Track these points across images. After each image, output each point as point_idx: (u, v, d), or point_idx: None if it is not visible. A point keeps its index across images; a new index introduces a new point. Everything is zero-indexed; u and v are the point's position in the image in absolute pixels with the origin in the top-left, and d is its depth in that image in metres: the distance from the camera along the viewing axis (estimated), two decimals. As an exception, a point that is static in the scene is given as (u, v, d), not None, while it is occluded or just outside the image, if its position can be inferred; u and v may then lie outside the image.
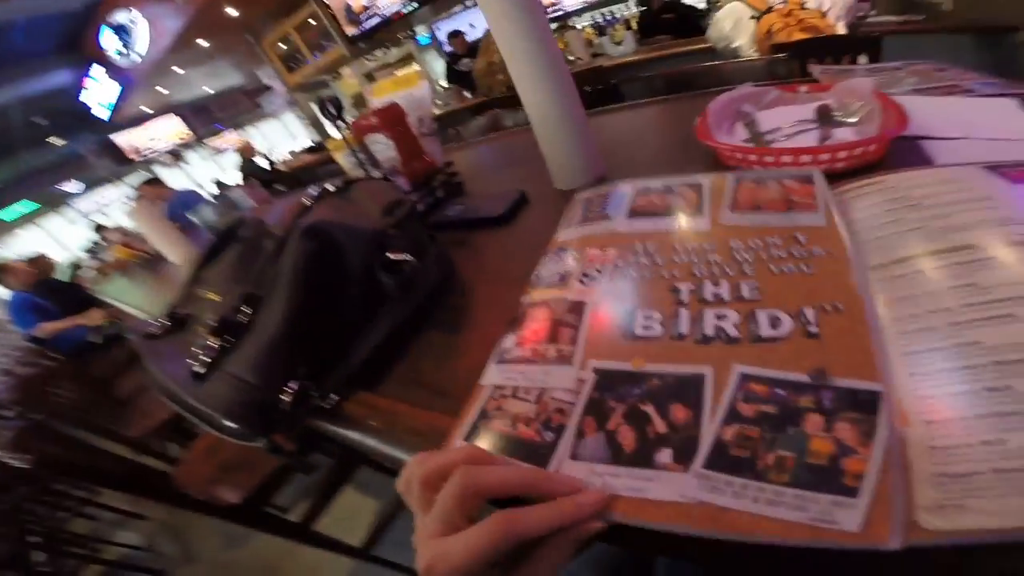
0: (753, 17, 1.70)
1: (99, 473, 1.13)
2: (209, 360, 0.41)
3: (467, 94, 3.46)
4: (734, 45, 1.81)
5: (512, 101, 1.99)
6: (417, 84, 0.84)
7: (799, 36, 1.55)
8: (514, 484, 0.25)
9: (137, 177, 9.31)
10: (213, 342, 0.41)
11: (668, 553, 0.39)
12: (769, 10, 1.66)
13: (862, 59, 1.40)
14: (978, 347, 0.24)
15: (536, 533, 0.23)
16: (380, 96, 0.89)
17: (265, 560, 1.52)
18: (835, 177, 0.46)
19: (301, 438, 0.45)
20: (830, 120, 0.58)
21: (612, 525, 0.24)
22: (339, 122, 0.76)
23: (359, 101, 5.08)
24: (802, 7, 1.63)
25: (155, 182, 2.96)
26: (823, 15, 1.62)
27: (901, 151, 0.49)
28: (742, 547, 0.22)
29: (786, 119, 0.61)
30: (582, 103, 0.62)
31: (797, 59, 1.34)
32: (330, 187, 0.50)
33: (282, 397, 0.39)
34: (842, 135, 0.54)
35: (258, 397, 0.39)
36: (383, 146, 0.70)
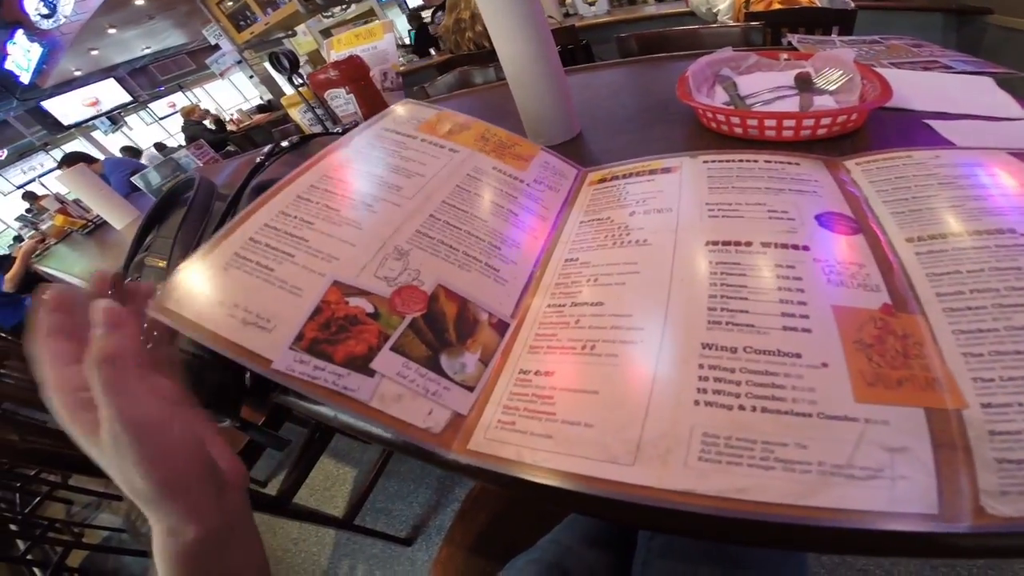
0: None
1: (65, 458, 1.06)
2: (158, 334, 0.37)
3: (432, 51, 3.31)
4: (715, 9, 1.78)
5: (480, 58, 1.92)
6: (382, 37, 0.78)
7: (777, 7, 1.54)
8: None
9: (76, 144, 8.58)
10: (159, 314, 0.37)
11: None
12: None
13: (834, 32, 1.41)
14: None
15: None
16: (340, 50, 0.82)
17: (246, 535, 1.50)
18: (815, 143, 0.46)
19: (272, 411, 0.42)
20: (809, 88, 0.57)
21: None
22: (294, 77, 0.70)
23: (315, 59, 4.80)
24: None
25: (77, 157, 2.71)
26: None
27: (878, 122, 0.49)
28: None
29: (765, 85, 0.60)
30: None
31: (771, 28, 1.33)
32: (285, 143, 0.45)
33: (245, 373, 0.36)
34: (821, 103, 0.54)
35: (218, 374, 0.36)
36: (343, 101, 0.64)
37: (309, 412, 0.38)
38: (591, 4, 2.89)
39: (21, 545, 1.51)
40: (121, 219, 1.42)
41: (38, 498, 1.68)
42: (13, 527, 1.51)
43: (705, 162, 0.43)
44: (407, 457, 0.28)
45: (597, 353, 0.29)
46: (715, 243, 0.33)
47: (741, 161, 0.42)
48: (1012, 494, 0.19)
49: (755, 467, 0.22)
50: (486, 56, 1.85)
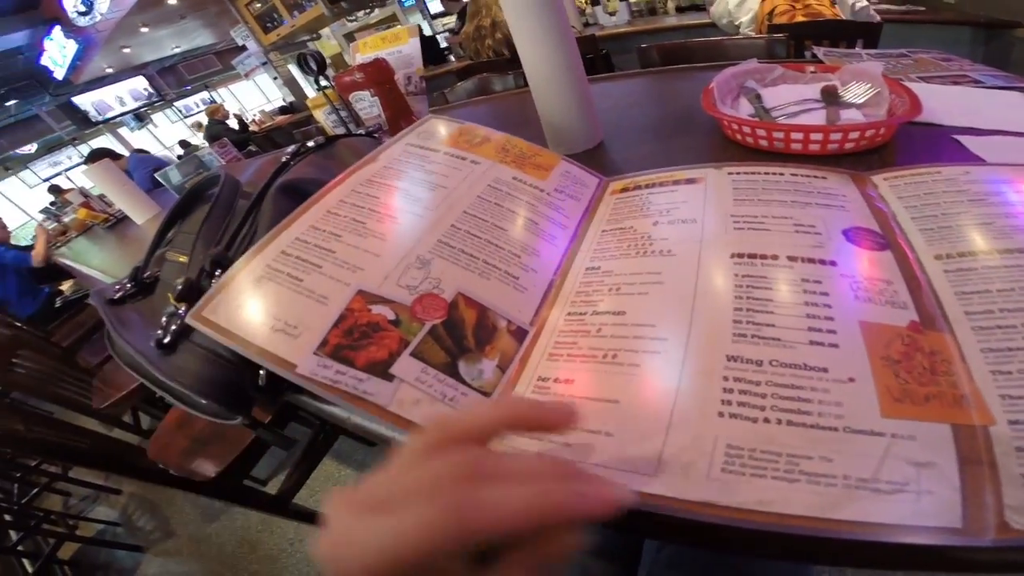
0: None
1: (67, 450, 1.07)
2: (177, 329, 0.38)
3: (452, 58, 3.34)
4: (738, 21, 1.77)
5: (500, 65, 1.93)
6: (407, 41, 0.79)
7: (801, 19, 1.52)
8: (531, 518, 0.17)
9: (103, 140, 8.82)
10: (180, 308, 0.38)
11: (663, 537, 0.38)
12: None
13: (859, 45, 1.39)
14: None
15: (505, 529, 0.16)
16: (366, 53, 0.83)
17: (243, 534, 1.50)
18: (842, 157, 0.46)
19: (279, 410, 0.42)
20: (836, 101, 0.56)
21: None
22: (320, 78, 0.71)
23: (338, 63, 4.88)
24: None
25: (103, 153, 2.77)
26: (832, 3, 1.58)
27: (906, 136, 0.48)
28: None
29: (790, 97, 0.60)
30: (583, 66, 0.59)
31: (794, 40, 1.32)
32: (311, 143, 0.46)
33: (259, 371, 0.36)
34: (849, 116, 0.53)
35: (232, 372, 0.36)
36: (368, 104, 0.65)
37: (321, 412, 0.39)
38: (612, 14, 2.90)
39: (14, 535, 1.52)
40: (143, 214, 1.45)
41: (36, 489, 1.70)
42: (8, 517, 1.52)
43: (730, 174, 0.42)
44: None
45: (619, 362, 0.29)
46: (740, 255, 0.33)
47: (767, 174, 0.41)
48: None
49: (779, 480, 0.21)
50: (505, 63, 1.87)
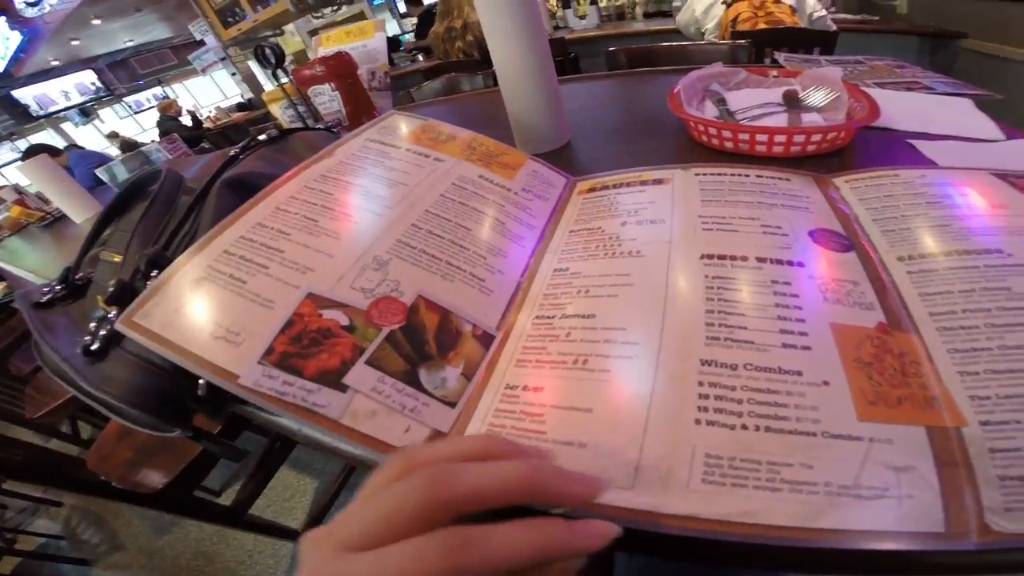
0: (724, 3, 1.70)
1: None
2: (106, 335, 0.34)
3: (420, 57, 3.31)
4: (703, 28, 1.81)
5: (469, 65, 1.91)
6: (373, 35, 0.76)
7: (763, 27, 1.57)
8: (508, 493, 0.18)
9: (44, 135, 8.29)
10: (111, 312, 0.34)
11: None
12: None
13: (816, 52, 1.45)
14: (1021, 351, 0.24)
15: (501, 568, 0.16)
16: (329, 47, 0.80)
17: (198, 546, 1.42)
18: (803, 160, 0.46)
19: (227, 419, 0.39)
20: (797, 105, 0.57)
21: None
22: (278, 71, 0.67)
23: (301, 59, 4.75)
24: (775, 1, 1.64)
25: (40, 149, 2.59)
26: (792, 11, 1.64)
27: (863, 140, 0.50)
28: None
29: (753, 101, 0.61)
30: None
31: (755, 47, 1.36)
32: (262, 137, 0.43)
33: (198, 380, 0.33)
34: (810, 119, 0.54)
35: (167, 381, 0.33)
36: (328, 98, 0.62)
37: (270, 424, 0.36)
38: (581, 18, 2.94)
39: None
40: (82, 213, 1.35)
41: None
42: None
43: (697, 174, 0.42)
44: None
45: (590, 368, 0.27)
46: (710, 257, 0.32)
47: (733, 175, 0.41)
48: (1016, 510, 0.19)
49: (761, 489, 0.20)
50: (475, 64, 1.85)
